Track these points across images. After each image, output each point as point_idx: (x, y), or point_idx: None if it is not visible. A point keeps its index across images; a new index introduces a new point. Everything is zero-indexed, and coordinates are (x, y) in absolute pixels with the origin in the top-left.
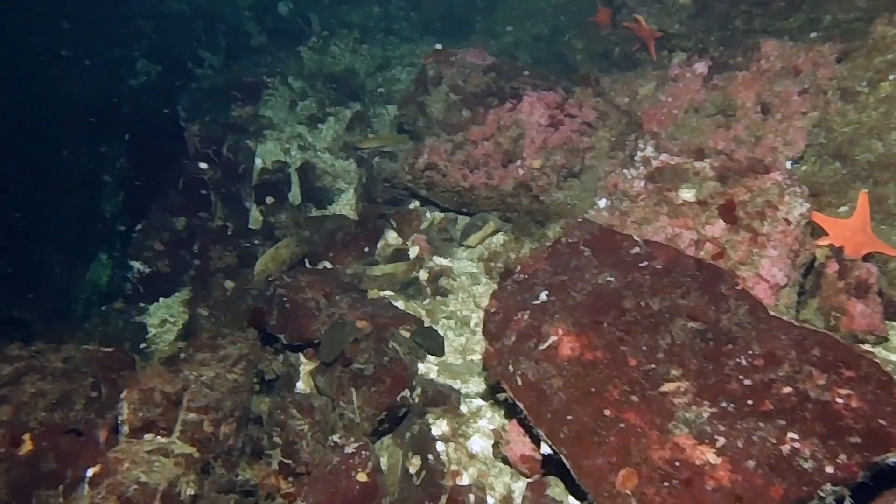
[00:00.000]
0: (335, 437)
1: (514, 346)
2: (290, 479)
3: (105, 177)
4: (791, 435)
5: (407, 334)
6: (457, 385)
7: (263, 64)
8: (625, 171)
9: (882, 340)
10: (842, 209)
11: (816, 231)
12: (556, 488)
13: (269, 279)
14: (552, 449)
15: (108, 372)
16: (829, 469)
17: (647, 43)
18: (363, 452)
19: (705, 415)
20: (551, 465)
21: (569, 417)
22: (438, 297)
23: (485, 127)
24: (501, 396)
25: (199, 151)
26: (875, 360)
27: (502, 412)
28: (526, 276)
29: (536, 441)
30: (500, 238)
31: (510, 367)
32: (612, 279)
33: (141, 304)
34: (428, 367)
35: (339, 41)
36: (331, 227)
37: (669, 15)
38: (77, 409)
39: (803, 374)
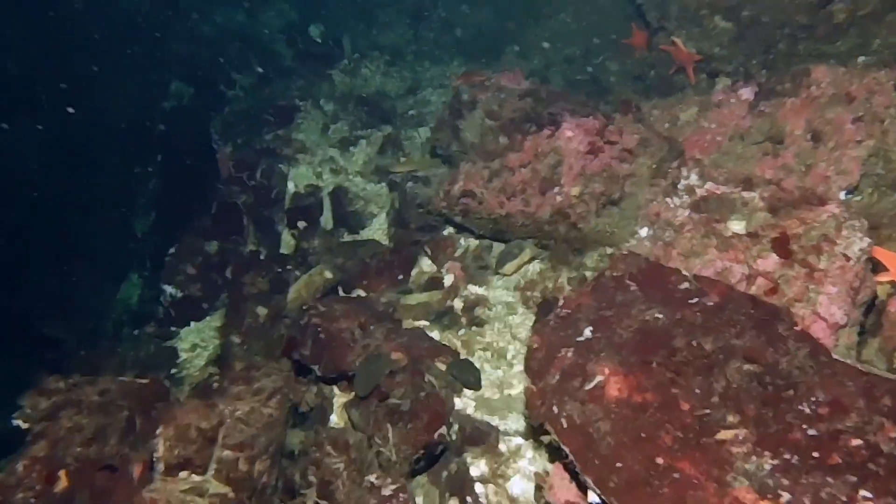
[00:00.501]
0: (372, 478)
1: (558, 386)
2: None
3: (137, 197)
4: (864, 493)
5: (443, 367)
6: (495, 421)
7: (295, 87)
8: (667, 199)
9: None
10: None
11: (876, 266)
12: None
13: (304, 307)
14: (601, 498)
15: (143, 404)
16: None
17: (685, 66)
18: (401, 495)
19: (767, 466)
20: None
21: (618, 465)
22: (474, 328)
23: (522, 153)
24: (546, 439)
25: (234, 176)
26: None
27: (543, 453)
28: (569, 311)
29: (583, 487)
30: (536, 266)
31: (554, 408)
32: (660, 316)
33: (172, 329)
34: (465, 402)
35: (370, 63)
36: (364, 254)
37: (709, 38)
38: (112, 443)
39: (874, 425)
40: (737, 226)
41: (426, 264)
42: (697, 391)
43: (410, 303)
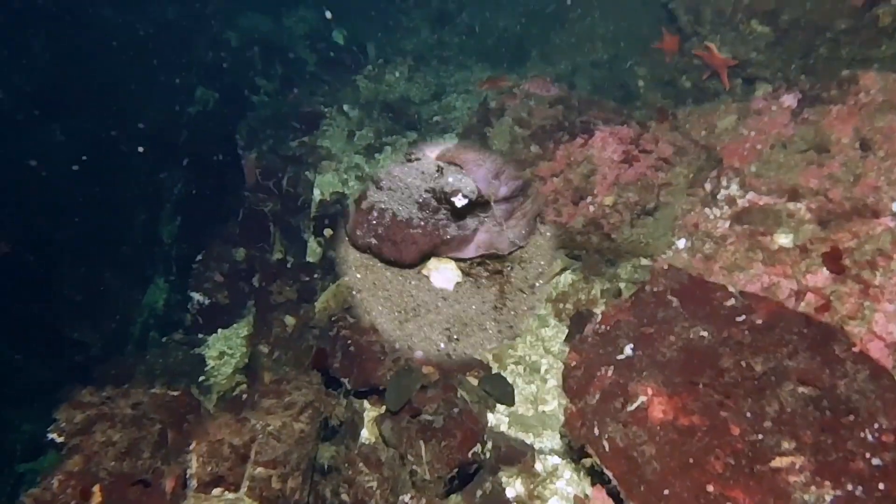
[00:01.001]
0: (406, 498)
1: (598, 406)
2: None
3: (163, 202)
4: None
5: (475, 381)
6: (529, 439)
7: (320, 92)
8: (706, 210)
9: None
10: None
11: None
12: None
13: (332, 318)
14: None
15: (175, 417)
16: None
17: (719, 72)
18: None
19: (828, 498)
20: None
21: (665, 492)
22: (506, 341)
23: (554, 163)
24: (587, 462)
25: (261, 183)
26: None
27: (582, 473)
28: (608, 327)
29: None
30: (567, 277)
31: (595, 430)
32: (705, 334)
33: (200, 336)
34: (498, 419)
35: (394, 69)
36: None
37: (745, 43)
38: (145, 457)
39: None
40: (784, 239)
41: None
42: (748, 415)
43: None
